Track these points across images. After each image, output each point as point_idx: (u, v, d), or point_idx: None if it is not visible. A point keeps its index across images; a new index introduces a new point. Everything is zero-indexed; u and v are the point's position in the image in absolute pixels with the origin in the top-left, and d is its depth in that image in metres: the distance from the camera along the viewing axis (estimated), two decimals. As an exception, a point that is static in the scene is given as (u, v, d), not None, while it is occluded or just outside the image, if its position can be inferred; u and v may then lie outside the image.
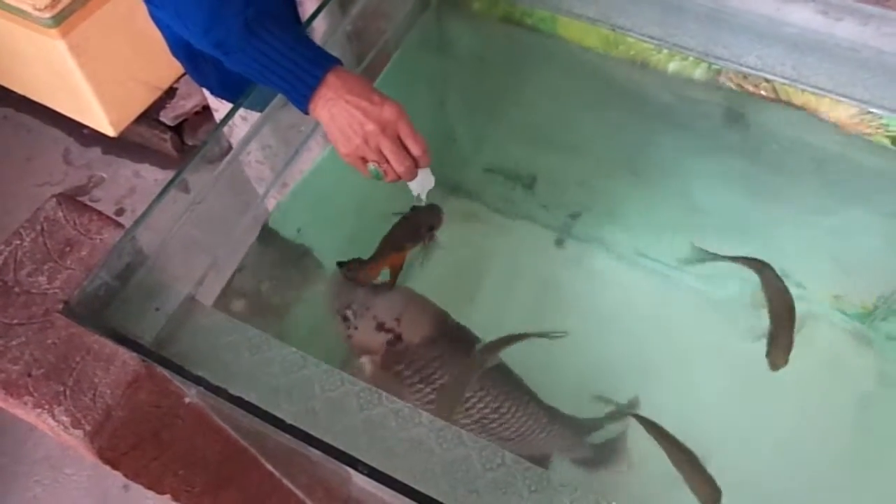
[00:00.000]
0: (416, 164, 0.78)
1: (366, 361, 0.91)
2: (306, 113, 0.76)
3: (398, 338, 0.90)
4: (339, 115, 0.74)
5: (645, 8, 0.97)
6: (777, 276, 1.05)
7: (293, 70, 0.73)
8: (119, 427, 0.74)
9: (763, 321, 1.24)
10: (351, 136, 0.74)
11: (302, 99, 0.75)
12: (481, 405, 0.90)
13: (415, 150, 0.76)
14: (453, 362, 0.91)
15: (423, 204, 0.88)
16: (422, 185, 0.83)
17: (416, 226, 0.96)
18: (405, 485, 0.61)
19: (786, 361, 0.99)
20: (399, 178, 0.78)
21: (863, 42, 0.91)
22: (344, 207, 1.10)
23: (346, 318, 0.91)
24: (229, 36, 0.73)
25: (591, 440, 1.02)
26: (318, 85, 0.73)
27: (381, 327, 0.90)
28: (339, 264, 0.95)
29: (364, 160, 0.77)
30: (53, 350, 0.76)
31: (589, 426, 1.02)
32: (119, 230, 0.84)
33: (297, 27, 0.77)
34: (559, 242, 1.33)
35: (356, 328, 0.91)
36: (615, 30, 0.97)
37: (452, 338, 0.94)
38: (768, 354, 1.00)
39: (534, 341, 1.00)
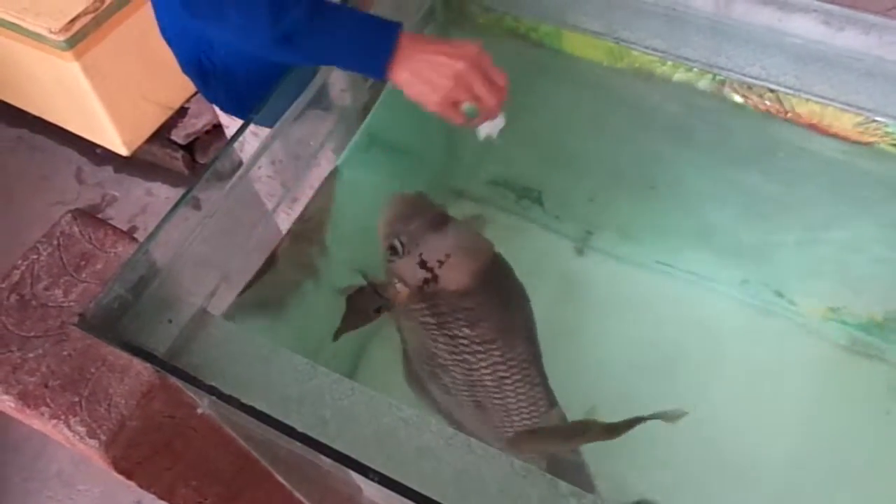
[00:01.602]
0: (499, 97, 0.79)
1: (400, 288, 0.87)
2: (383, 79, 0.77)
3: (435, 280, 0.86)
4: (422, 68, 0.75)
5: (648, 21, 0.98)
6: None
7: (365, 41, 0.75)
8: (133, 437, 0.75)
9: (769, 330, 1.25)
10: (440, 83, 0.75)
11: (379, 66, 0.75)
12: (486, 364, 0.88)
13: (500, 80, 0.78)
14: (480, 325, 0.87)
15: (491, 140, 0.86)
16: (493, 124, 0.84)
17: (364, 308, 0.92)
18: (416, 492, 0.62)
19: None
20: (488, 114, 0.80)
21: (865, 51, 0.92)
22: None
23: (392, 248, 0.87)
24: (297, 24, 0.72)
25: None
26: (394, 48, 0.74)
27: (423, 265, 0.86)
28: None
29: (455, 105, 0.77)
30: (69, 362, 0.77)
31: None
32: (133, 244, 0.86)
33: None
34: (579, 251, 1.33)
35: (399, 259, 0.87)
36: (619, 43, 0.99)
37: (492, 300, 0.89)
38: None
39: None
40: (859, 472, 1.11)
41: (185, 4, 0.75)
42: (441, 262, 0.85)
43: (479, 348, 0.87)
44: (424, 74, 0.75)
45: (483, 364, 0.88)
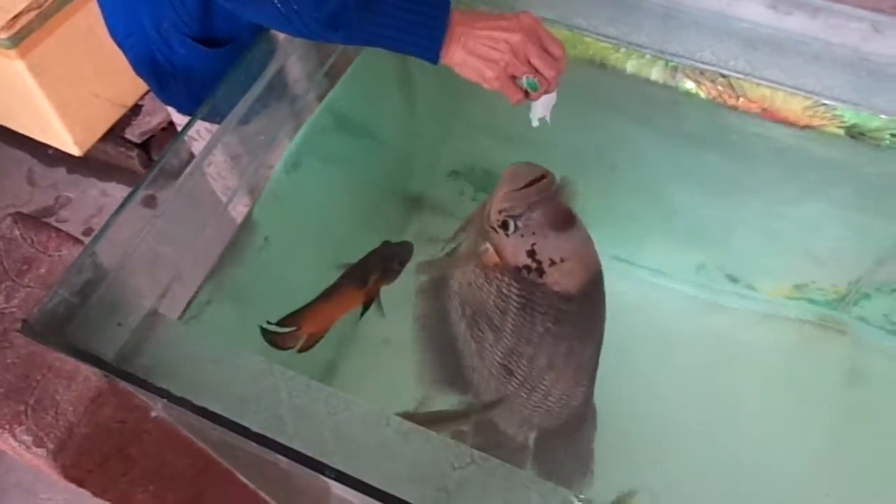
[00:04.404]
0: (559, 69, 0.76)
1: (489, 252, 0.82)
2: (436, 62, 0.74)
3: (539, 273, 0.80)
4: (476, 45, 0.73)
5: (601, 8, 0.98)
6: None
7: (416, 22, 0.71)
8: (83, 444, 0.73)
9: (729, 315, 1.26)
10: (497, 57, 0.73)
11: (433, 47, 0.73)
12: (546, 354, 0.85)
13: (556, 50, 0.75)
14: (565, 326, 0.83)
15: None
16: (547, 103, 0.81)
17: (388, 259, 0.91)
18: (375, 488, 0.61)
19: None
20: (547, 88, 0.77)
21: (812, 34, 0.93)
22: (313, 212, 1.10)
23: (504, 225, 0.80)
24: (343, 6, 0.69)
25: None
26: (447, 27, 0.72)
27: (531, 255, 0.80)
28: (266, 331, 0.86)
29: (513, 80, 0.75)
30: (13, 369, 0.75)
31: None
32: (79, 246, 0.83)
33: None
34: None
35: (507, 237, 0.80)
36: (573, 30, 0.98)
37: (586, 310, 0.85)
38: None
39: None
40: (821, 451, 1.13)
41: None
42: (553, 262, 0.80)
43: (551, 340, 0.85)
44: (480, 51, 0.73)
45: (542, 352, 0.85)
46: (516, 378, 0.89)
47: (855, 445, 1.13)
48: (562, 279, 0.81)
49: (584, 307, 0.85)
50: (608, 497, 1.01)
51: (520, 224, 0.79)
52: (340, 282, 0.90)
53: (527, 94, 0.78)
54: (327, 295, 0.88)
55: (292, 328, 0.85)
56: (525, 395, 0.90)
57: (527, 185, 0.79)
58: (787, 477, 1.10)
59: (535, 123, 0.83)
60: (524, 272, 0.81)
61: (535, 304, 0.83)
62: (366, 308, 0.91)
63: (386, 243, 0.95)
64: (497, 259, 0.83)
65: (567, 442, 0.97)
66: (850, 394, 1.19)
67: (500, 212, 0.80)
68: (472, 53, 0.73)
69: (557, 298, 0.82)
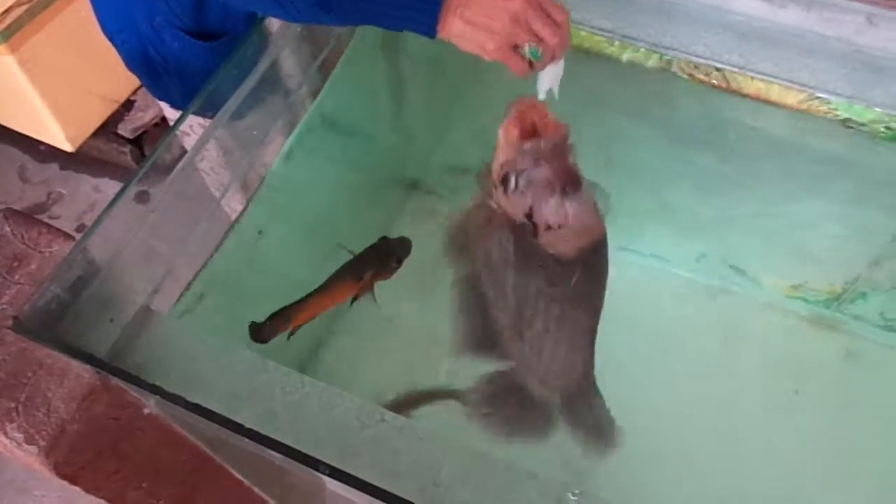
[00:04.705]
0: (563, 35, 0.73)
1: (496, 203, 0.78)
2: (433, 36, 0.72)
3: (534, 233, 0.77)
4: (475, 15, 0.70)
5: (595, 1, 0.98)
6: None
7: None
8: (75, 441, 0.72)
9: (727, 308, 1.27)
10: (497, 26, 0.70)
11: (429, 21, 0.70)
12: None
13: (559, 15, 0.72)
14: (557, 287, 0.81)
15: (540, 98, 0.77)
16: (554, 75, 0.77)
17: (385, 255, 0.92)
18: (368, 483, 0.61)
19: None
20: (552, 56, 0.74)
21: (807, 28, 0.93)
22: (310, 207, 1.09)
23: (505, 181, 0.75)
24: None
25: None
26: None
27: (528, 216, 0.77)
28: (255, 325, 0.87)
29: (515, 49, 0.72)
30: (4, 366, 0.75)
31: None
32: (70, 242, 0.83)
33: None
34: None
35: (505, 195, 0.76)
36: (567, 23, 0.98)
37: (582, 274, 0.81)
38: None
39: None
40: (817, 434, 1.14)
41: None
42: (550, 227, 0.77)
43: (544, 302, 0.82)
44: (478, 21, 0.70)
45: (538, 314, 0.84)
46: (524, 338, 0.87)
47: (850, 429, 1.13)
48: (556, 244, 0.78)
49: (581, 272, 0.82)
50: (607, 485, 1.01)
51: (521, 181, 0.75)
52: (336, 277, 0.91)
53: (531, 64, 0.74)
54: (320, 291, 0.89)
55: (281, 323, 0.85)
56: (534, 357, 0.89)
57: (535, 136, 0.74)
58: (783, 459, 1.11)
59: (541, 96, 0.79)
60: (521, 230, 0.78)
61: (532, 264, 0.80)
62: (355, 298, 0.92)
63: (384, 239, 0.95)
64: (498, 213, 0.80)
65: (584, 405, 0.95)
66: (846, 380, 1.19)
67: (501, 165, 0.76)
68: (471, 24, 0.70)
69: (552, 261, 0.79)
